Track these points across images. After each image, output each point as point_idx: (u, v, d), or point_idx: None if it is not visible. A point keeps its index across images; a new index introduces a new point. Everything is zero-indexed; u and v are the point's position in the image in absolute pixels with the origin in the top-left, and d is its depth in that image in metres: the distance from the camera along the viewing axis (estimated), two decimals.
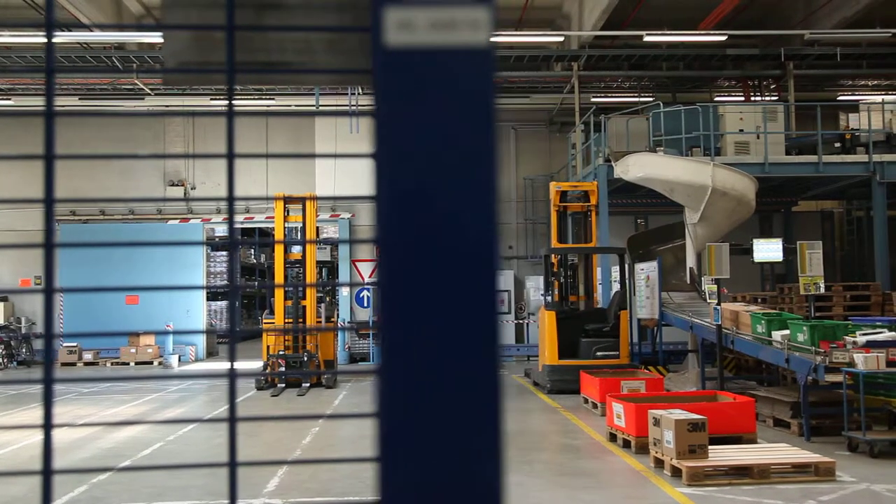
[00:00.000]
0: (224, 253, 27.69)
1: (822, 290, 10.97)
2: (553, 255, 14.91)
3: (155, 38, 17.09)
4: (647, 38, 18.21)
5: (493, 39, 0.55)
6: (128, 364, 20.12)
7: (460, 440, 0.55)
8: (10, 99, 21.09)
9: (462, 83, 0.55)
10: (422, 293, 0.57)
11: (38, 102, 21.12)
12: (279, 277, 15.70)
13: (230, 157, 1.10)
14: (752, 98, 21.10)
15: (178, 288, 1.41)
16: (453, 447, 0.55)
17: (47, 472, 1.07)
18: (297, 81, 1.40)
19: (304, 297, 15.48)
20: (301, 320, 15.31)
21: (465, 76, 0.55)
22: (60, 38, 17.68)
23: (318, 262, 16.52)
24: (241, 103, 21.58)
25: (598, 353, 13.51)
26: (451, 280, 0.57)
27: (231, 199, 1.09)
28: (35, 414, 12.29)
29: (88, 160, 21.10)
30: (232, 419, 1.10)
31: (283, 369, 14.86)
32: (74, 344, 20.23)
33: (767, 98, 21.03)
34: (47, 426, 1.09)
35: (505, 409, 0.58)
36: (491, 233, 0.56)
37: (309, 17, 1.21)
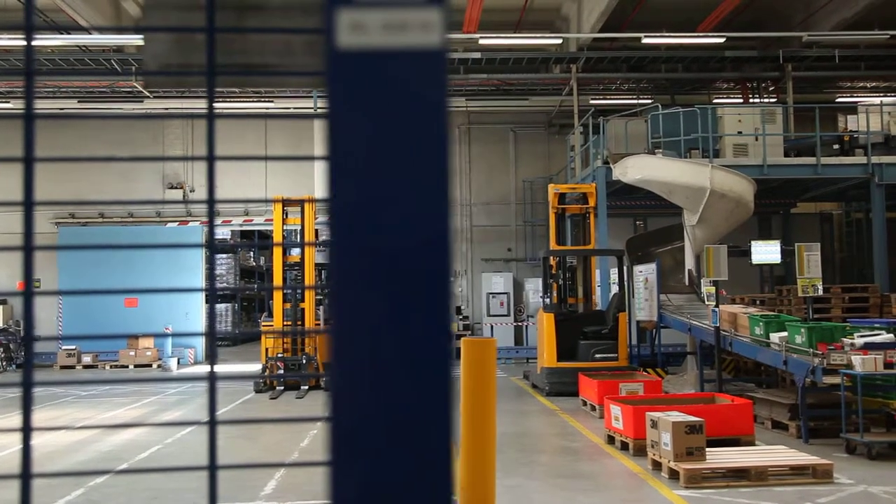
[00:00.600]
0: (224, 255, 27.68)
1: (821, 292, 10.97)
2: (552, 258, 14.90)
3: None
4: (645, 41, 18.23)
5: (445, 41, 0.55)
6: (127, 367, 20.11)
7: (410, 445, 0.55)
8: (8, 102, 21.10)
9: (413, 85, 0.55)
10: (372, 298, 0.56)
11: (37, 106, 21.11)
12: (278, 280, 15.69)
13: (210, 159, 1.10)
14: (751, 100, 21.12)
15: (167, 290, 1.40)
16: (403, 452, 0.55)
17: (26, 476, 1.07)
18: (277, 83, 1.40)
19: (302, 300, 15.48)
20: (300, 323, 15.31)
21: (416, 78, 0.55)
22: (58, 40, 17.70)
23: (316, 265, 16.49)
24: (241, 106, 21.60)
25: (597, 356, 13.50)
26: (402, 285, 0.57)
27: (211, 201, 1.09)
28: (37, 417, 12.28)
29: (88, 163, 21.03)
30: (212, 422, 1.10)
31: (281, 372, 14.86)
32: (73, 347, 20.22)
33: (766, 100, 21.04)
34: (26, 430, 1.09)
35: (455, 414, 0.58)
36: (442, 238, 0.56)
37: (289, 19, 1.21)
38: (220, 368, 20.31)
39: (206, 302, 23.38)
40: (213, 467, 1.08)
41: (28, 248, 1.02)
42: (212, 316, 1.08)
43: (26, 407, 1.07)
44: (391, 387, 0.56)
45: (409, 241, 0.56)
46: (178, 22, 1.16)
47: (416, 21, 0.55)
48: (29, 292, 1.05)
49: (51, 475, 1.16)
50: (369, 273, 0.56)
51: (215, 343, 1.08)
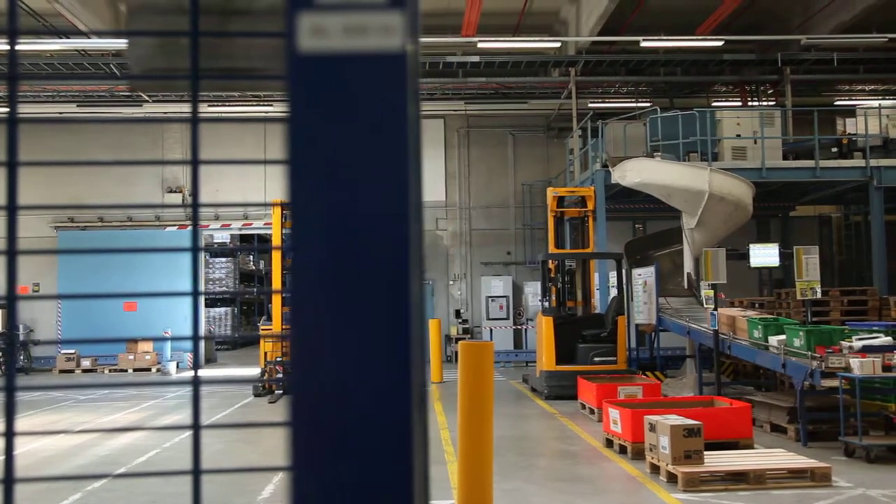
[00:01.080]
0: (223, 259, 27.68)
1: (819, 295, 10.97)
2: (550, 261, 14.90)
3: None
4: (643, 44, 18.25)
5: (406, 44, 0.55)
6: (126, 371, 20.09)
7: (371, 450, 0.55)
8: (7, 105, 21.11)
9: (374, 89, 0.55)
10: (332, 304, 0.56)
11: (35, 109, 21.15)
12: (276, 283, 15.69)
13: (194, 163, 1.10)
14: (750, 103, 21.13)
15: (152, 294, 1.40)
16: (364, 457, 0.55)
17: (8, 482, 1.07)
18: (262, 88, 1.40)
19: None
20: None
21: (377, 82, 0.55)
22: (57, 45, 17.72)
23: None
24: (240, 109, 21.61)
25: (596, 359, 13.50)
26: (362, 291, 0.57)
27: (195, 205, 1.09)
28: (28, 422, 12.27)
29: (88, 167, 20.99)
30: (196, 426, 1.10)
31: (280, 375, 14.85)
32: (73, 351, 20.23)
33: (765, 103, 21.05)
34: (9, 434, 1.09)
35: (418, 419, 0.58)
36: (403, 244, 0.56)
37: (274, 23, 1.21)
38: (217, 372, 20.30)
39: (193, 306, 23.43)
40: (196, 472, 1.08)
41: (11, 253, 1.02)
42: (195, 320, 1.08)
43: (9, 411, 1.07)
44: (352, 392, 0.56)
45: (372, 246, 0.56)
46: (163, 26, 1.16)
47: (377, 25, 0.55)
48: (12, 297, 1.05)
49: (32, 480, 1.16)
50: (328, 279, 0.56)
51: (198, 347, 1.08)
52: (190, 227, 21.67)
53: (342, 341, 0.57)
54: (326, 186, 0.56)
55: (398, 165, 0.55)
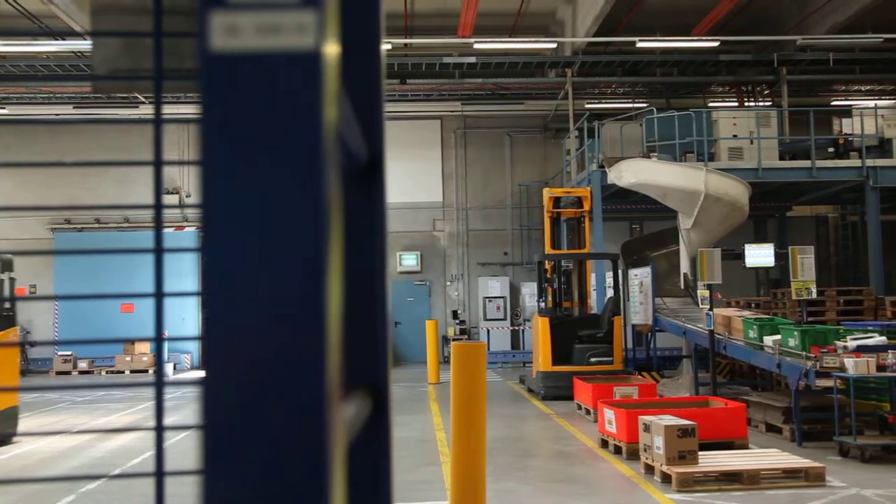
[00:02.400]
0: None
1: (814, 295, 10.97)
2: (547, 262, 14.90)
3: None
4: (640, 44, 18.26)
5: (322, 43, 0.55)
6: (123, 372, 20.08)
7: (284, 454, 0.55)
8: (4, 108, 21.11)
9: (287, 89, 0.55)
10: (241, 306, 0.56)
11: (33, 111, 21.15)
12: None
13: (157, 164, 1.10)
14: (746, 103, 21.15)
15: (117, 295, 1.40)
16: (277, 462, 0.55)
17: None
18: None
19: None
20: None
21: (289, 82, 0.55)
22: (53, 46, 17.72)
23: None
24: None
25: (592, 360, 13.50)
26: (272, 296, 0.57)
27: (158, 206, 1.09)
28: (27, 423, 12.26)
29: (84, 168, 20.89)
30: (159, 428, 1.10)
31: None
32: (70, 352, 20.20)
33: (761, 103, 21.07)
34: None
35: (336, 425, 0.58)
36: (319, 243, 0.56)
37: None
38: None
39: (157, 307, 23.33)
40: (160, 474, 1.08)
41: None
42: (159, 321, 1.08)
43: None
44: (263, 396, 0.56)
45: (284, 249, 0.56)
46: (128, 27, 1.16)
47: (291, 23, 0.55)
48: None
49: (7, 482, 1.16)
50: (238, 281, 0.56)
51: (161, 347, 1.08)
52: (186, 229, 21.66)
53: (254, 343, 0.57)
54: (238, 185, 0.56)
55: (313, 163, 0.55)
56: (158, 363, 1.09)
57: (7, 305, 10.20)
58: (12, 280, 10.97)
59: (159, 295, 1.06)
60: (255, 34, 0.55)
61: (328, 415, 0.52)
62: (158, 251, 1.07)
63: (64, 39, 17.47)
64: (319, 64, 0.55)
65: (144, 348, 20.32)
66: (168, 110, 21.29)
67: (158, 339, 1.07)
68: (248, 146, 0.55)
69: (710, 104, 21.72)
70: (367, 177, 1.02)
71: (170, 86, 1.11)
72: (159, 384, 1.07)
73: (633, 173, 14.52)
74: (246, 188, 0.55)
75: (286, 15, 0.55)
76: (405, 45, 19.68)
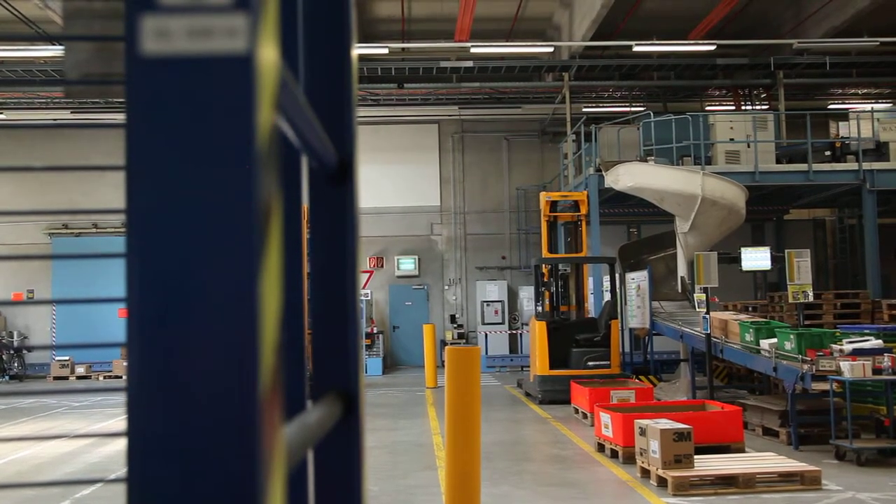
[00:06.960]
0: None
1: (811, 298, 10.98)
2: (544, 266, 14.90)
3: None
4: (636, 49, 18.28)
5: (254, 47, 0.55)
6: (120, 377, 20.05)
7: (216, 462, 0.54)
8: (2, 113, 21.11)
9: (218, 93, 0.55)
10: (169, 312, 0.56)
11: (31, 116, 21.15)
12: None
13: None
14: (743, 107, 21.16)
15: (84, 301, 1.40)
16: (208, 469, 0.54)
17: None
18: None
19: None
20: None
21: (220, 86, 0.55)
22: (50, 51, 17.74)
23: (309, 274, 16.43)
24: None
25: (589, 363, 13.49)
26: (199, 302, 0.57)
27: (127, 211, 1.08)
28: (24, 428, 12.24)
29: (82, 173, 20.88)
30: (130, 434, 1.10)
31: None
32: (67, 358, 20.17)
33: (758, 107, 21.09)
34: None
35: (270, 432, 0.58)
36: (247, 252, 0.56)
37: None
38: None
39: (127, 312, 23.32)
40: (131, 479, 1.08)
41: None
42: (130, 327, 1.08)
43: None
44: (194, 400, 0.56)
45: (212, 254, 0.55)
46: (99, 31, 1.16)
47: (222, 27, 0.55)
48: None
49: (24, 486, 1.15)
50: (164, 285, 0.56)
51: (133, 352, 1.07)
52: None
53: (183, 344, 0.56)
54: (167, 190, 0.56)
55: (243, 168, 0.55)
56: (129, 367, 1.08)
57: None
58: None
59: (129, 300, 1.06)
60: (187, 38, 0.55)
61: (259, 422, 0.52)
62: (130, 255, 1.07)
63: (61, 44, 17.48)
64: (251, 68, 0.55)
65: None
66: None
67: (129, 347, 1.06)
68: (177, 151, 0.54)
69: (707, 108, 21.74)
70: (337, 180, 1.02)
71: None
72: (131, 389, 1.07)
73: (630, 177, 14.52)
74: (174, 194, 0.55)
75: (218, 19, 0.55)
76: (402, 49, 19.70)
